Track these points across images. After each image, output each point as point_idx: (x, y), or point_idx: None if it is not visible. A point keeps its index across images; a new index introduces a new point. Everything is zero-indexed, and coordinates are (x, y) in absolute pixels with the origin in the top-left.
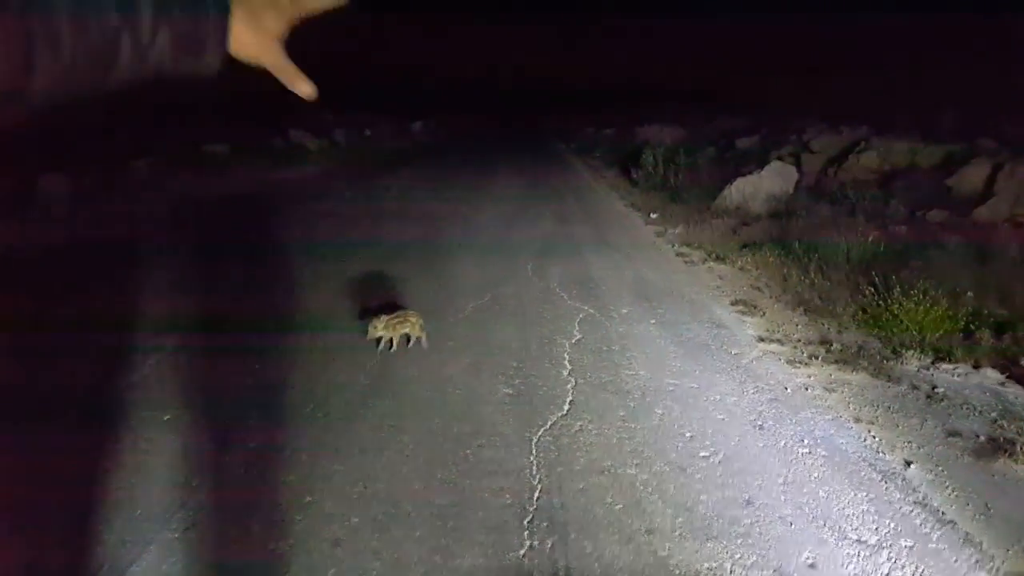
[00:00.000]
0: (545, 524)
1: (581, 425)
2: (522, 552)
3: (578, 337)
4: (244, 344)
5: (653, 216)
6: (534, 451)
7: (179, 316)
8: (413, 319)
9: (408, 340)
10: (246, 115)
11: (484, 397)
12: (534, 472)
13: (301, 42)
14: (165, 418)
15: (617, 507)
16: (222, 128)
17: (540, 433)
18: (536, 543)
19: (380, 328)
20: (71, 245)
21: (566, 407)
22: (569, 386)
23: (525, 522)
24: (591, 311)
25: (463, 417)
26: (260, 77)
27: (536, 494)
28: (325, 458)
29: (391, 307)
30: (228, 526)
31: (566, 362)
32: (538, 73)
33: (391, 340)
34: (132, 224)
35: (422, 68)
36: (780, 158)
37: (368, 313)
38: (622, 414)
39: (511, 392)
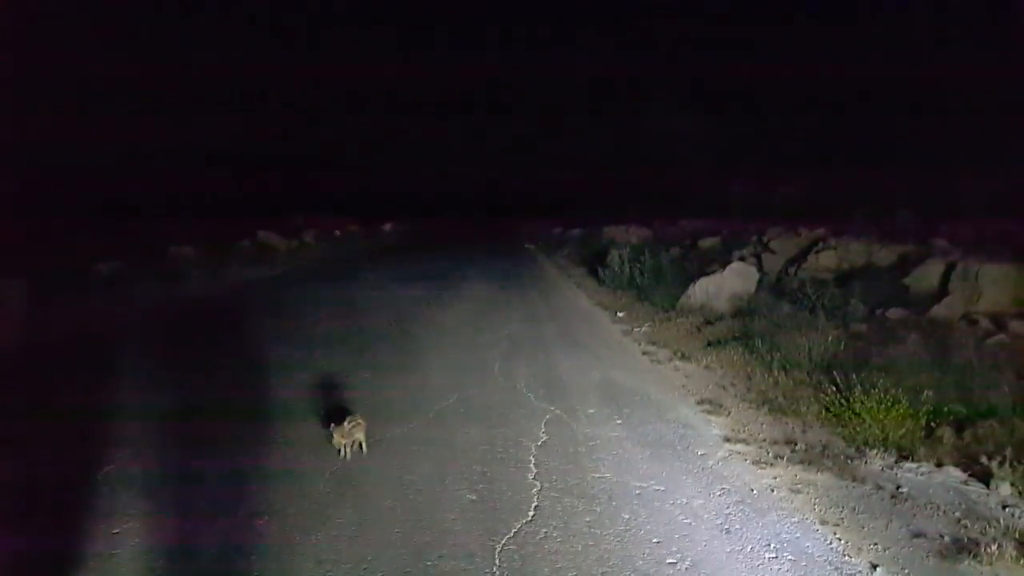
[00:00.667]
0: None
1: (546, 532)
2: None
3: (544, 439)
4: (207, 450)
5: (620, 315)
6: (497, 561)
7: (146, 414)
8: (362, 422)
9: (360, 446)
10: (213, 216)
11: (447, 504)
12: None
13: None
14: (115, 532)
15: None
16: (188, 230)
17: (504, 541)
18: None
19: (337, 437)
20: (30, 347)
21: (531, 513)
22: (534, 490)
23: None
24: (558, 412)
25: (425, 526)
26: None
27: None
28: (281, 572)
29: (343, 411)
30: None
31: (531, 465)
32: (504, 178)
33: (346, 447)
34: (93, 328)
35: (393, 173)
36: (742, 258)
37: (332, 414)
38: (588, 519)
39: (475, 498)
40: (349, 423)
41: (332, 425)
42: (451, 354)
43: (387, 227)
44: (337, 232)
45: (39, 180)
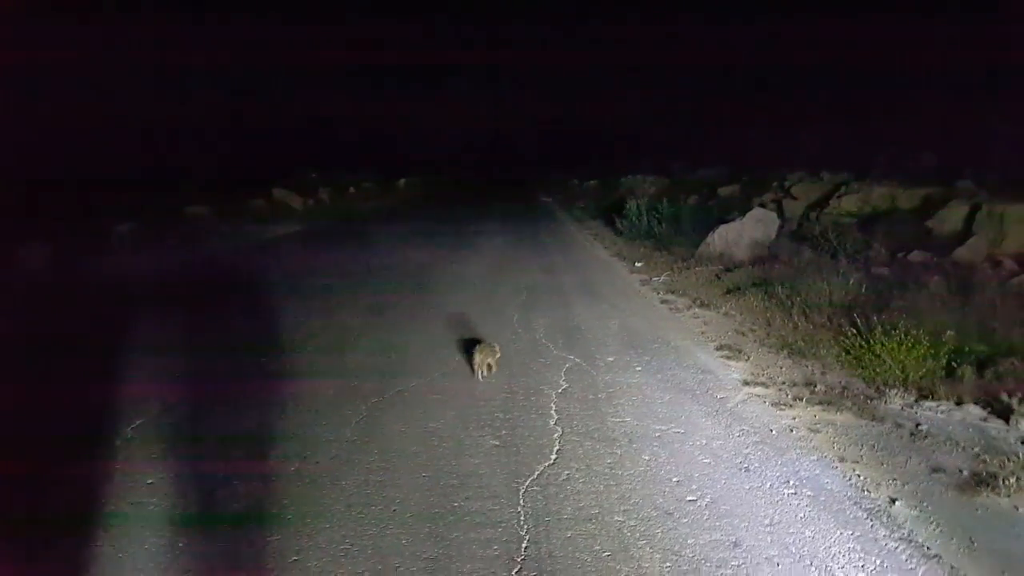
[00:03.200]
0: (533, 574)
1: (568, 474)
2: None
3: (564, 386)
4: (232, 398)
5: (638, 265)
6: (522, 501)
7: (174, 368)
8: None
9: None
10: (229, 177)
11: (471, 449)
12: (522, 522)
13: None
14: (148, 481)
15: (605, 554)
16: (203, 191)
17: (527, 483)
18: None
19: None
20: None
21: (553, 456)
22: (556, 435)
23: (514, 573)
24: (577, 360)
25: (450, 470)
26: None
27: (524, 544)
28: (311, 515)
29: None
30: None
31: (552, 411)
32: (518, 125)
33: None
34: (115, 288)
35: (405, 126)
36: (762, 205)
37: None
38: (609, 461)
39: (498, 443)
40: (484, 348)
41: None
42: (470, 306)
43: (402, 182)
44: (352, 189)
45: (47, 151)
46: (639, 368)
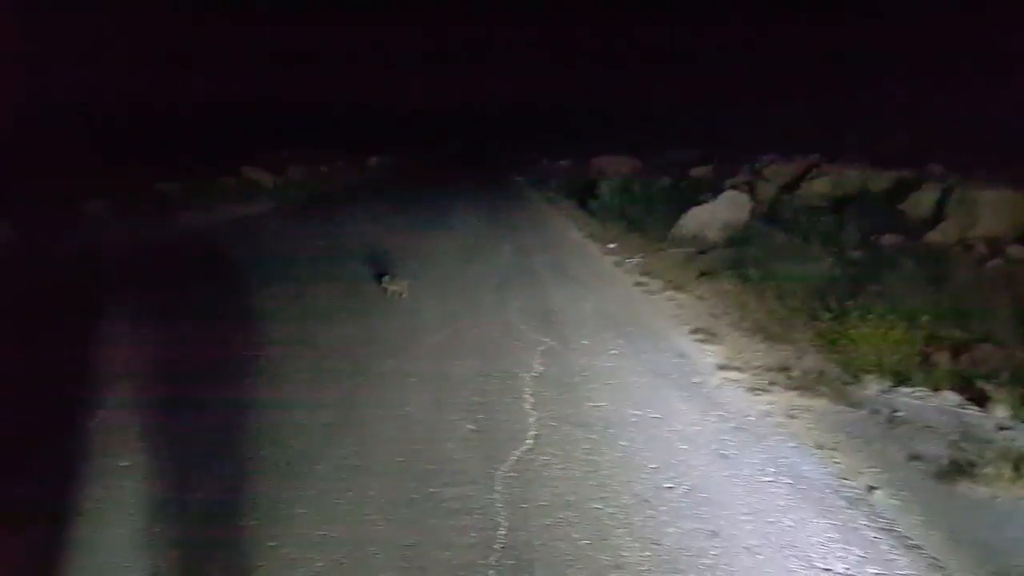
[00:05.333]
0: (511, 562)
1: (545, 460)
2: None
3: (540, 370)
4: (200, 385)
5: (611, 246)
6: (498, 488)
7: (139, 359)
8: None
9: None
10: (198, 153)
11: (446, 434)
12: (499, 509)
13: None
14: (122, 464)
15: (583, 542)
16: (173, 167)
17: (504, 468)
18: None
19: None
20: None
21: (529, 442)
22: (532, 420)
23: (491, 560)
24: (552, 343)
25: (426, 455)
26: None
27: (502, 531)
28: (287, 500)
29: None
30: (191, 573)
31: (528, 395)
32: (486, 102)
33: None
34: (85, 266)
35: (374, 98)
36: (734, 187)
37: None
38: (586, 447)
39: (474, 428)
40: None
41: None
42: (441, 288)
43: (372, 160)
44: (324, 168)
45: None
46: (614, 351)
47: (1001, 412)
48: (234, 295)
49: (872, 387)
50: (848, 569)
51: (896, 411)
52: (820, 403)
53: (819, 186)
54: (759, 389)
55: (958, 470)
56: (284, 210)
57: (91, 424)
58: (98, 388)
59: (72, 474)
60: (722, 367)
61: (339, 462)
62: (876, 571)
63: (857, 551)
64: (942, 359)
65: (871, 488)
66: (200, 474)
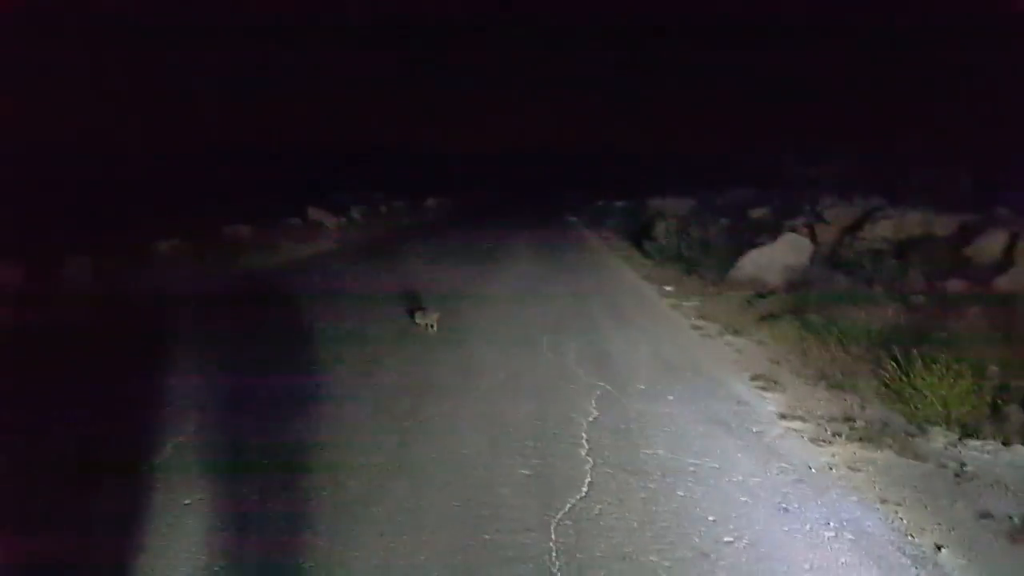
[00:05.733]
0: None
1: (601, 508)
2: None
3: (595, 415)
4: (261, 427)
5: (668, 289)
6: (553, 535)
7: (205, 394)
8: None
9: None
10: (264, 194)
11: (502, 478)
12: (554, 559)
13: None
14: (185, 502)
15: None
16: (240, 208)
17: (559, 516)
18: None
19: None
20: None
21: (585, 489)
22: (587, 466)
23: None
24: (608, 388)
25: (481, 500)
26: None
27: None
28: (342, 543)
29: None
30: None
31: (584, 441)
32: (544, 141)
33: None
34: (158, 304)
35: (430, 144)
36: (793, 229)
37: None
38: (642, 496)
39: (529, 473)
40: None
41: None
42: (498, 329)
43: (430, 202)
44: (383, 208)
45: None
46: (671, 397)
47: None
48: (293, 335)
49: (939, 440)
50: None
51: (964, 465)
52: (884, 455)
53: (881, 229)
54: (821, 440)
55: None
56: (345, 250)
57: (157, 460)
58: (162, 425)
59: (136, 510)
60: (783, 416)
61: (395, 505)
62: None
63: None
64: (1013, 412)
65: (938, 547)
66: (260, 513)
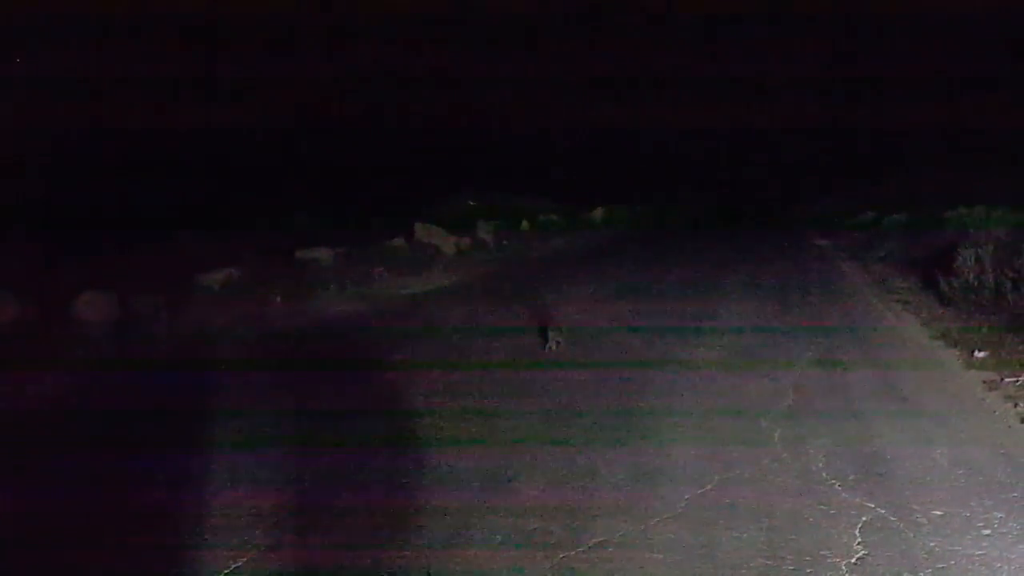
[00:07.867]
0: None
1: None
2: None
3: (861, 553)
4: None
5: (980, 355)
6: None
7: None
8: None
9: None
10: (358, 202)
11: None
12: None
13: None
14: None
15: None
16: (320, 215)
17: None
18: None
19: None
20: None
21: None
22: None
23: None
24: (880, 511)
25: None
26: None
27: None
28: None
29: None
30: None
31: None
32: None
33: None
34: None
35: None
36: None
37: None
38: None
39: None
40: None
41: None
42: (705, 414)
43: (598, 213)
44: (525, 223)
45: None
46: (987, 532)
47: None
48: (385, 432)
49: None
50: None
51: None
52: None
53: None
54: None
55: None
56: (465, 290)
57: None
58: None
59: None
60: None
61: None
62: None
63: None
64: None
65: None
66: None
